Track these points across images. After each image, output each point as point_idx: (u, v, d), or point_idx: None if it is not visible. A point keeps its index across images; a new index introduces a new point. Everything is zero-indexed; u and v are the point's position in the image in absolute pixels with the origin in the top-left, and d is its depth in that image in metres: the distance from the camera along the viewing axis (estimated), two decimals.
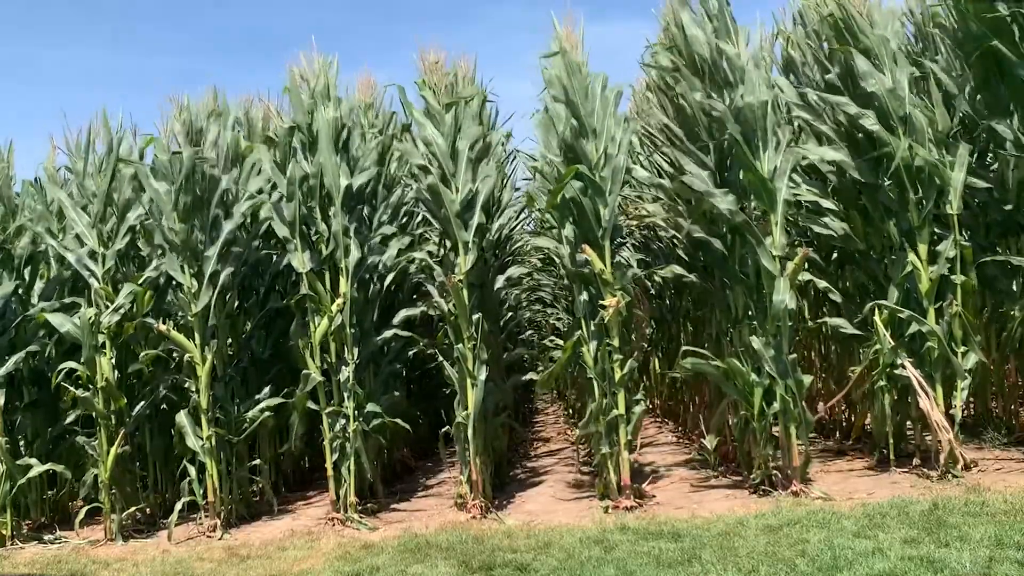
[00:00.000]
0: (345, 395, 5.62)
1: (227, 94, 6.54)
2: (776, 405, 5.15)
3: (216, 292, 5.75)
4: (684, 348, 5.88)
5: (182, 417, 5.71)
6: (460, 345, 5.50)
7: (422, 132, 5.76)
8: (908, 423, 5.70)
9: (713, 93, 5.47)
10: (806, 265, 5.37)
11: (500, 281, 6.26)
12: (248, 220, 6.23)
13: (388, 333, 5.98)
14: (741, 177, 5.38)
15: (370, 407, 5.73)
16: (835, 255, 6.29)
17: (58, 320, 5.88)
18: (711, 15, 5.58)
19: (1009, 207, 5.70)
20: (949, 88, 5.79)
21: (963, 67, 5.82)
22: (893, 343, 5.33)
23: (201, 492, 5.66)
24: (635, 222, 6.99)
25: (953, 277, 5.37)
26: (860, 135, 5.77)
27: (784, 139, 5.38)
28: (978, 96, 5.73)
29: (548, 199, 5.35)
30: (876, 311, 5.41)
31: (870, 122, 5.50)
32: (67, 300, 6.27)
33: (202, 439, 5.66)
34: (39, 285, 6.55)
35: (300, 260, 5.66)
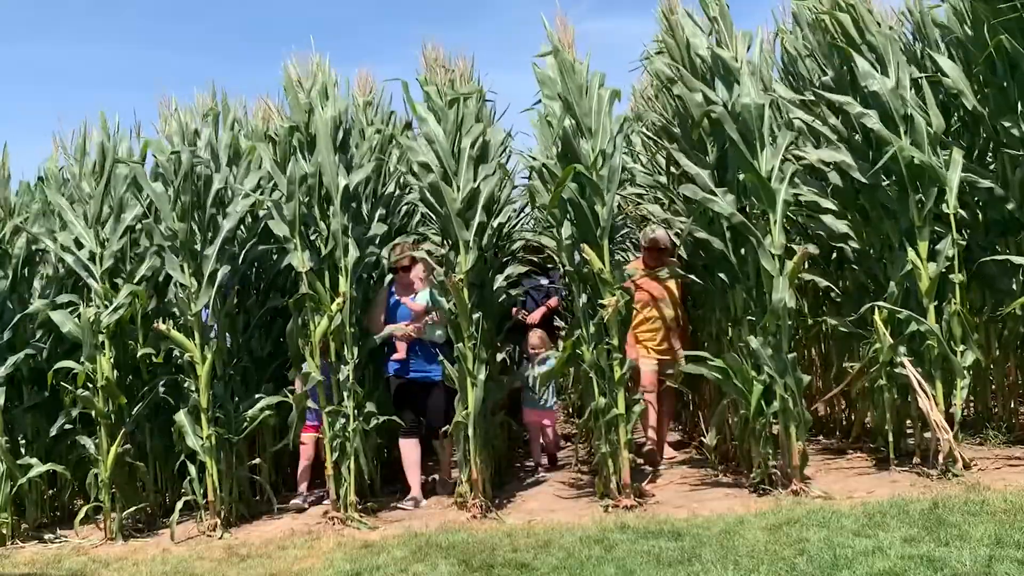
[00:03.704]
0: (345, 394, 5.62)
1: (227, 92, 6.56)
2: (775, 404, 5.16)
3: (215, 291, 5.77)
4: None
5: (182, 416, 5.71)
6: (460, 344, 5.50)
7: (423, 129, 5.76)
8: (908, 422, 5.70)
9: (711, 95, 5.47)
10: (806, 264, 5.37)
11: (499, 280, 6.24)
12: (247, 219, 6.23)
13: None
14: (741, 177, 5.37)
15: (370, 406, 5.73)
16: (834, 255, 6.29)
17: (59, 317, 5.90)
18: (710, 18, 5.59)
19: (1010, 206, 5.70)
20: (949, 88, 5.79)
21: (964, 66, 5.83)
22: (892, 342, 5.34)
23: (201, 491, 5.67)
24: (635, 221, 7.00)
25: (952, 276, 5.38)
26: (858, 136, 5.77)
27: (784, 141, 5.38)
28: (979, 95, 5.76)
29: (550, 199, 5.35)
30: (876, 310, 5.42)
31: (872, 122, 5.50)
32: (64, 299, 6.27)
33: (202, 438, 5.67)
34: (37, 285, 6.55)
35: (300, 259, 5.65)
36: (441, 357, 5.71)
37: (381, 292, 6.18)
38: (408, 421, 5.97)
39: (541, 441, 7.04)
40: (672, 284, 6.29)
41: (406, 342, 5.99)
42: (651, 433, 6.25)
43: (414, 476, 5.98)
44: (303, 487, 6.10)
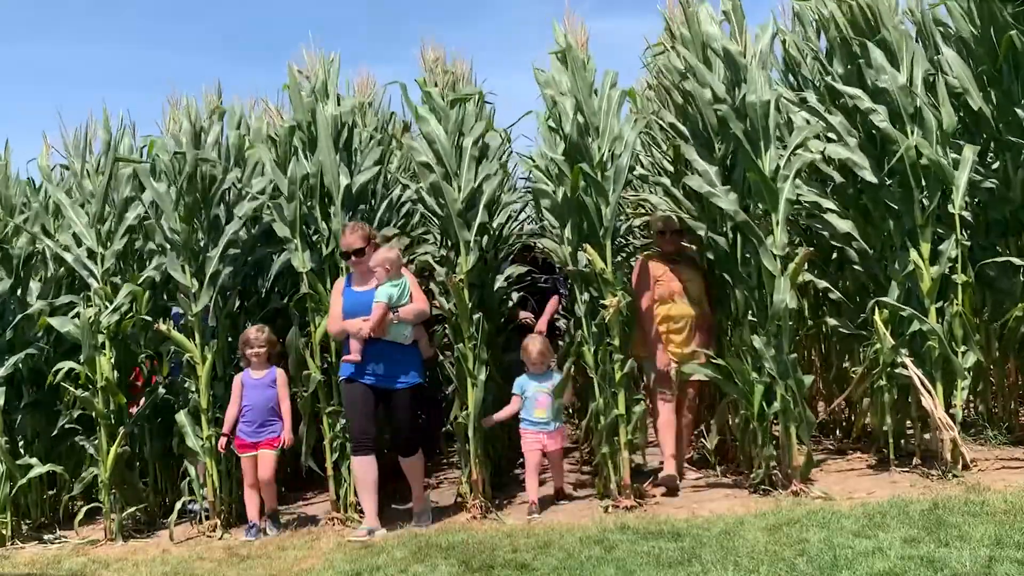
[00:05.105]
0: None
1: (230, 92, 6.58)
2: (776, 405, 5.15)
3: (217, 292, 5.76)
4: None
5: (182, 417, 5.72)
6: (460, 345, 5.49)
7: (424, 129, 5.75)
8: (908, 422, 5.69)
9: (720, 91, 5.45)
10: (806, 265, 5.36)
11: (500, 281, 6.23)
12: (250, 220, 6.22)
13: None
14: (746, 176, 5.34)
15: None
16: (835, 255, 6.28)
17: (58, 321, 5.90)
18: (723, 11, 5.56)
19: (1013, 207, 5.70)
20: (953, 87, 5.78)
21: (969, 65, 5.82)
22: (893, 342, 5.33)
23: (201, 492, 5.67)
24: (637, 221, 6.97)
25: (954, 276, 5.38)
26: (862, 135, 5.75)
27: (796, 139, 5.36)
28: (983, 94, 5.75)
29: (561, 200, 5.32)
30: (876, 310, 5.42)
31: (879, 119, 5.47)
32: (64, 300, 6.28)
33: (202, 439, 5.67)
34: (36, 285, 6.56)
35: (300, 260, 5.65)
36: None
37: (337, 283, 5.48)
38: (359, 434, 5.21)
39: (542, 474, 5.77)
40: (695, 277, 5.75)
41: (361, 342, 5.18)
42: (669, 450, 5.55)
43: (369, 501, 5.22)
44: (257, 514, 5.52)
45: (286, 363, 5.86)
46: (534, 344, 5.65)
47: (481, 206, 5.62)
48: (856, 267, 5.90)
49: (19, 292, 6.40)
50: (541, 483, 5.69)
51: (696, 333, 5.66)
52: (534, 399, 5.54)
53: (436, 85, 6.00)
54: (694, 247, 5.94)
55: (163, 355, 6.07)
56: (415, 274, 5.84)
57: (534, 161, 5.83)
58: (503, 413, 5.62)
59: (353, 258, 5.33)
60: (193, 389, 5.76)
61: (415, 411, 5.34)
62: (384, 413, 5.29)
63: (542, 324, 6.50)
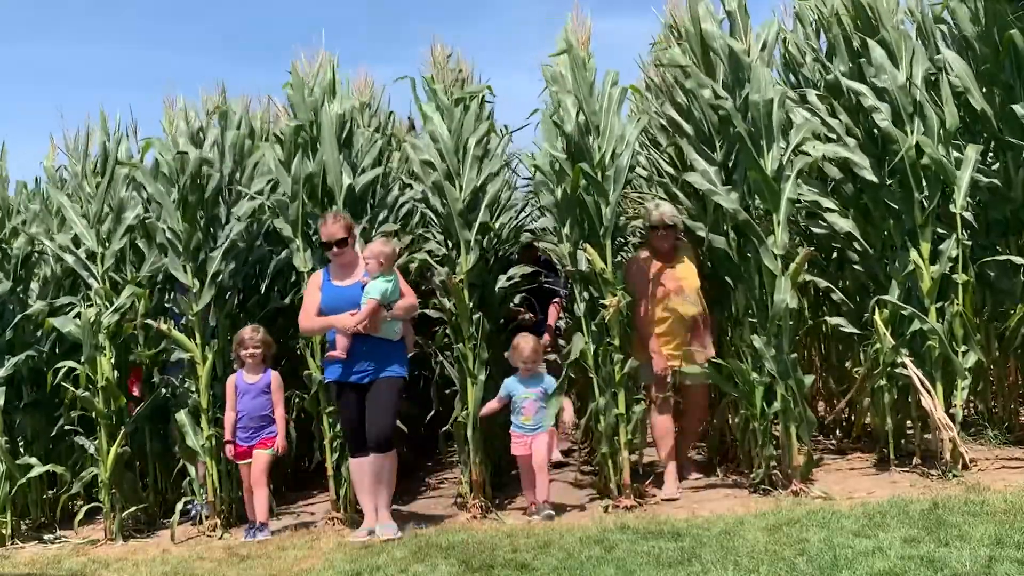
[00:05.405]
0: None
1: (230, 92, 6.57)
2: (777, 404, 5.15)
3: (217, 292, 5.76)
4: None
5: (182, 417, 5.71)
6: (460, 345, 5.49)
7: (428, 127, 5.74)
8: (908, 422, 5.69)
9: (722, 90, 5.43)
10: (807, 265, 5.36)
11: (501, 280, 6.23)
12: (251, 219, 6.22)
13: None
14: (748, 175, 5.32)
15: None
16: (835, 255, 6.28)
17: (59, 321, 5.90)
18: (727, 11, 5.56)
19: (1013, 206, 5.69)
20: (954, 86, 5.77)
21: (970, 64, 5.81)
22: (894, 343, 5.33)
23: (201, 492, 5.67)
24: (638, 221, 6.94)
25: (955, 276, 5.37)
26: (862, 133, 5.75)
27: (796, 138, 5.35)
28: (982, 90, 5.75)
29: (560, 200, 5.31)
30: (877, 310, 5.41)
31: (880, 117, 5.46)
32: (64, 301, 6.29)
33: (202, 439, 5.67)
34: (35, 286, 6.55)
35: (302, 259, 5.65)
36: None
37: (314, 277, 5.25)
38: (355, 437, 5.08)
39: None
40: (691, 275, 5.54)
41: (348, 339, 4.97)
42: (668, 460, 5.49)
43: (368, 501, 5.07)
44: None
45: (291, 363, 5.85)
46: (526, 343, 5.32)
47: (483, 206, 5.62)
48: (856, 267, 5.89)
49: (19, 292, 6.39)
50: None
51: (694, 333, 5.52)
52: (520, 405, 5.30)
53: (442, 83, 5.99)
54: (688, 244, 5.85)
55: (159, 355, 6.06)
56: (416, 274, 5.86)
57: (535, 159, 5.81)
58: (486, 408, 5.42)
59: (335, 249, 5.07)
60: (193, 389, 5.75)
61: (395, 404, 5.05)
62: (365, 403, 5.03)
63: (551, 323, 6.49)
